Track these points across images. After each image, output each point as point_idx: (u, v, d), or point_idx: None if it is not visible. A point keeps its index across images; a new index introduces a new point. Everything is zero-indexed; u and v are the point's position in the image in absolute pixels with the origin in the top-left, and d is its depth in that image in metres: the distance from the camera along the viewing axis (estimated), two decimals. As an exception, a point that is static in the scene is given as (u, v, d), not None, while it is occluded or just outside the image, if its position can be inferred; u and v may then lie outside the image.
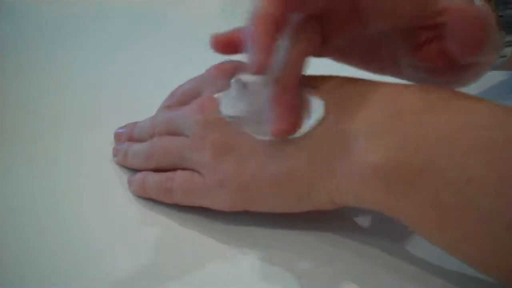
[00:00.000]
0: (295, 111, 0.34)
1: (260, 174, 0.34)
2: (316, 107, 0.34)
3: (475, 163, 0.29)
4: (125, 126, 0.43)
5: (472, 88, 0.39)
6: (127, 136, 0.42)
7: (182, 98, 0.40)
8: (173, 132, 0.38)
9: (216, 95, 0.37)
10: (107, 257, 0.34)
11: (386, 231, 0.36)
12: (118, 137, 0.43)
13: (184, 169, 0.37)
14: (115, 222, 0.37)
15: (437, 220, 0.30)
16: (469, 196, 0.28)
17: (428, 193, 0.30)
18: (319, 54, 0.36)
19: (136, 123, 0.42)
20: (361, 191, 0.32)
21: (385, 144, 0.31)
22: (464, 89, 0.36)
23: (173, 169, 0.37)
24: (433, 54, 0.36)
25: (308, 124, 0.33)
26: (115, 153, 0.41)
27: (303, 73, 0.35)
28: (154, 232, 0.36)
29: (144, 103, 0.44)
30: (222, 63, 0.39)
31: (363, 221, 0.37)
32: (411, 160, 0.30)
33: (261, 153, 0.34)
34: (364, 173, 0.31)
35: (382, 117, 0.32)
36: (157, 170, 0.38)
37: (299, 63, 0.34)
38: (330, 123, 0.33)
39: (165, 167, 0.38)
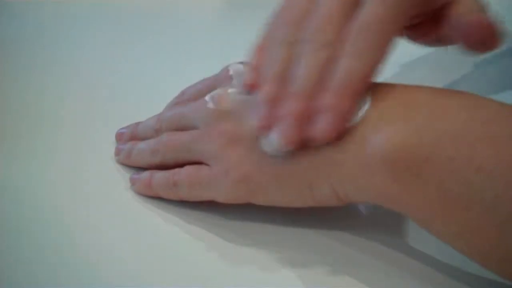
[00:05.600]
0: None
1: (264, 165, 0.34)
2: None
3: (483, 153, 0.29)
4: (127, 126, 0.43)
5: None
6: (130, 135, 0.42)
7: (194, 96, 0.40)
8: (182, 128, 0.38)
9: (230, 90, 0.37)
10: (108, 255, 0.34)
11: (394, 230, 0.36)
12: (119, 137, 0.42)
13: (192, 163, 0.37)
14: (117, 221, 0.37)
15: (442, 210, 0.30)
16: (476, 186, 0.29)
17: (435, 182, 0.30)
18: None
19: (138, 123, 0.42)
20: (365, 180, 0.32)
21: (393, 132, 0.31)
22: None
23: (180, 165, 0.37)
24: (422, 33, 0.38)
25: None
26: (117, 152, 0.41)
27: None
28: (158, 231, 0.36)
29: (146, 104, 0.44)
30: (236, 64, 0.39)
31: (373, 219, 0.37)
32: (419, 149, 0.30)
33: None
34: (370, 162, 0.31)
35: (392, 107, 0.32)
36: (162, 165, 0.38)
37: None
38: None
39: (171, 161, 0.38)
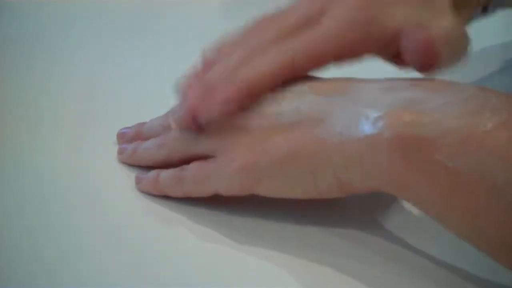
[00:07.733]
0: None
1: (270, 153, 0.34)
2: None
3: (496, 136, 0.28)
4: (131, 127, 0.42)
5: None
6: (134, 135, 0.42)
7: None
8: None
9: None
10: (110, 255, 0.34)
11: (396, 227, 0.36)
12: (121, 137, 0.42)
13: (198, 158, 0.37)
14: (118, 221, 0.37)
15: (450, 192, 0.29)
16: (487, 169, 0.28)
17: (444, 163, 0.29)
18: None
19: (143, 123, 0.42)
20: (371, 162, 0.31)
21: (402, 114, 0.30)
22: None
23: (185, 162, 0.37)
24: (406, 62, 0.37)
25: None
26: (120, 152, 0.41)
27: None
28: (162, 230, 0.36)
29: (146, 104, 0.44)
30: None
31: (375, 217, 0.37)
32: (430, 130, 0.30)
33: (276, 133, 0.34)
34: (376, 141, 0.31)
35: (404, 90, 0.32)
36: (167, 162, 0.38)
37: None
38: (345, 100, 0.33)
39: (177, 156, 0.38)
